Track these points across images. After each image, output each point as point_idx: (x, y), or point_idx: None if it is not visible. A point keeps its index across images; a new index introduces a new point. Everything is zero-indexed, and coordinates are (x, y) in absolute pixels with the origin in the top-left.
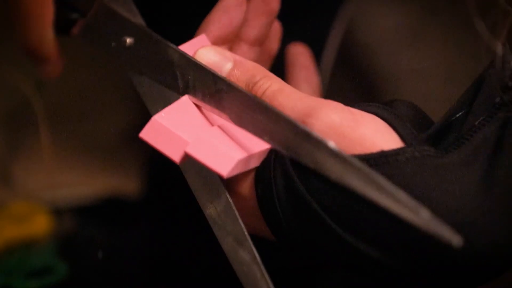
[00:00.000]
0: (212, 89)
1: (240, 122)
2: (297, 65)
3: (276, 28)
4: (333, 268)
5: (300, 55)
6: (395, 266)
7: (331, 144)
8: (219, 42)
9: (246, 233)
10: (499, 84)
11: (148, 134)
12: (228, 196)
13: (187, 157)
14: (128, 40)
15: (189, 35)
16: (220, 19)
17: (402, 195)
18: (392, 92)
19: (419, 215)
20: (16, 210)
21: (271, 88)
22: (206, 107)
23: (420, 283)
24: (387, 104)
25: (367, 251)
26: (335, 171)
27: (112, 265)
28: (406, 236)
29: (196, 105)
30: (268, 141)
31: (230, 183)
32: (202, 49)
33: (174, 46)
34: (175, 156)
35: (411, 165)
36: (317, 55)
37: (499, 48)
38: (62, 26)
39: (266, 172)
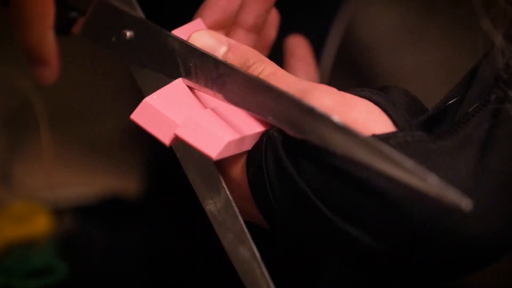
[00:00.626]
0: (214, 73)
1: (243, 104)
2: (295, 57)
3: (274, 15)
4: (323, 255)
5: (298, 47)
6: (386, 252)
7: (336, 118)
8: (215, 27)
9: (246, 230)
10: (493, 75)
11: (139, 116)
12: (228, 193)
13: (176, 140)
14: (128, 34)
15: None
16: (216, 4)
17: (409, 163)
18: None
19: (428, 181)
20: (17, 210)
21: (265, 71)
22: (209, 93)
23: (412, 271)
24: (381, 90)
25: (358, 236)
26: (341, 145)
27: (112, 265)
28: (398, 222)
29: (190, 87)
30: (272, 121)
31: (222, 167)
32: (196, 33)
33: (173, 35)
34: (165, 138)
35: (403, 150)
36: (317, 55)
37: (498, 40)
38: (62, 26)
39: (257, 155)
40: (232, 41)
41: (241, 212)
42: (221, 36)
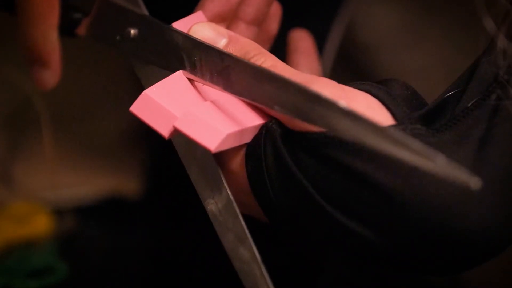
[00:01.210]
0: (219, 66)
1: (249, 94)
2: (298, 51)
3: (276, 9)
4: (322, 248)
5: (302, 41)
6: (385, 245)
7: (342, 103)
8: (216, 20)
9: (247, 231)
10: (493, 74)
11: (138, 108)
12: (229, 193)
13: (175, 132)
14: (132, 31)
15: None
16: None
17: (417, 144)
18: None
19: (436, 162)
20: (17, 210)
21: (265, 64)
22: (214, 86)
23: (411, 264)
24: (380, 83)
25: (357, 229)
26: (348, 130)
27: (112, 265)
28: (397, 214)
29: (190, 80)
30: (279, 110)
31: (221, 160)
32: (196, 25)
33: (177, 30)
34: (164, 130)
35: None
36: (318, 54)
37: (499, 39)
38: (66, 28)
39: (256, 148)
40: (232, 34)
41: (240, 205)
42: (221, 29)
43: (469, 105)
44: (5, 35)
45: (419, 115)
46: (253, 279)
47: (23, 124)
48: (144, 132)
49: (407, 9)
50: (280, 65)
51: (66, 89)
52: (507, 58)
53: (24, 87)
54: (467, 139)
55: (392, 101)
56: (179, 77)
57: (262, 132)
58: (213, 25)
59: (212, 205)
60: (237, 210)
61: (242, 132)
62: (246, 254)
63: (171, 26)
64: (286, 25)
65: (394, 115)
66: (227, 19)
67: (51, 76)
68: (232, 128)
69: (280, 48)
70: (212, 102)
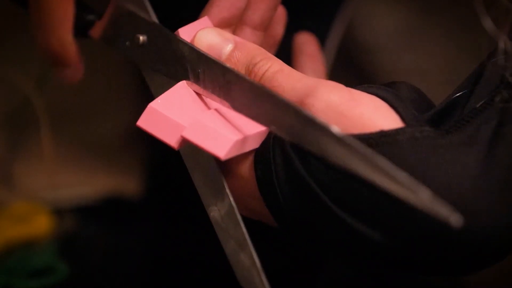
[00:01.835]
0: (221, 80)
1: (247, 112)
2: (303, 54)
3: (281, 13)
4: (332, 252)
5: (307, 44)
6: (395, 248)
7: (335, 129)
8: (222, 25)
9: (247, 238)
10: (500, 75)
11: (145, 121)
12: (231, 199)
13: (184, 142)
14: (141, 38)
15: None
16: (223, 2)
17: (402, 175)
18: None
19: (419, 195)
20: (17, 210)
21: (271, 69)
22: (216, 99)
23: (420, 266)
24: (388, 86)
25: (367, 232)
26: (339, 156)
27: (112, 265)
28: (406, 217)
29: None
30: (275, 131)
31: (230, 166)
32: (202, 31)
33: (184, 41)
34: (173, 141)
35: (411, 145)
36: None
37: (502, 42)
38: (79, 29)
39: (265, 153)
40: (238, 39)
41: (249, 211)
42: (227, 34)
43: (477, 106)
44: (5, 35)
45: (427, 117)
46: (252, 285)
47: (23, 124)
48: (144, 132)
49: (407, 9)
50: (287, 69)
51: (66, 89)
52: (511, 59)
53: (23, 87)
54: (476, 140)
55: (400, 103)
56: (182, 87)
57: (271, 137)
58: (219, 30)
59: (214, 212)
60: (239, 217)
61: (248, 138)
62: (247, 260)
63: (179, 36)
64: (287, 25)
65: (402, 117)
66: (232, 24)
67: (73, 73)
68: (239, 135)
69: (280, 49)
70: (217, 109)
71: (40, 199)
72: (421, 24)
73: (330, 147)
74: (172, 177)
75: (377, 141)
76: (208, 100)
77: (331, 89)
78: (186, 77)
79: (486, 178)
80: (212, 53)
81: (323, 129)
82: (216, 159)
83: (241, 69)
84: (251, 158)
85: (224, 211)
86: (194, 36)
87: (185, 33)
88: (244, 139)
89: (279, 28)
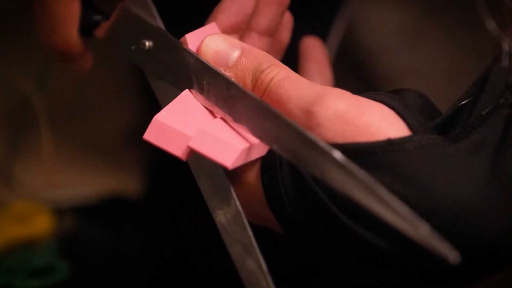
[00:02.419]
0: (225, 94)
1: (250, 128)
2: (310, 59)
3: (288, 19)
4: (338, 259)
5: (313, 48)
6: (402, 256)
7: (337, 154)
8: (229, 31)
9: (254, 242)
10: (504, 82)
11: (151, 134)
12: (238, 204)
13: (192, 153)
14: (147, 44)
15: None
16: (230, 8)
17: (404, 209)
18: None
19: (419, 230)
20: (17, 210)
21: (278, 76)
22: (219, 112)
23: (428, 275)
24: (394, 93)
25: (374, 240)
26: (340, 182)
27: (113, 265)
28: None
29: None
30: (277, 150)
31: (236, 173)
32: (209, 37)
33: (190, 51)
34: (180, 153)
35: (418, 154)
36: None
37: (506, 46)
38: (85, 28)
39: (271, 160)
40: (246, 45)
41: (255, 217)
42: (234, 40)
43: (483, 113)
44: (5, 35)
45: (434, 124)
46: None
47: (23, 124)
48: (143, 132)
49: (408, 9)
50: (294, 76)
51: (65, 88)
52: None
53: (23, 87)
54: (483, 148)
55: (407, 111)
56: (186, 96)
57: None
58: (226, 36)
59: (220, 216)
60: (245, 221)
61: (254, 146)
62: (253, 264)
63: (186, 46)
64: None
65: (409, 125)
66: (240, 30)
67: (80, 65)
68: (245, 143)
69: (289, 43)
70: (222, 118)
71: (40, 199)
72: (422, 25)
73: (331, 172)
74: (173, 177)
75: (384, 149)
76: (214, 108)
77: (338, 97)
78: (190, 87)
79: (493, 186)
80: (219, 60)
81: (325, 154)
82: None
83: (248, 76)
84: (257, 165)
85: (230, 215)
86: (201, 42)
87: (193, 38)
88: (251, 147)
89: (285, 33)
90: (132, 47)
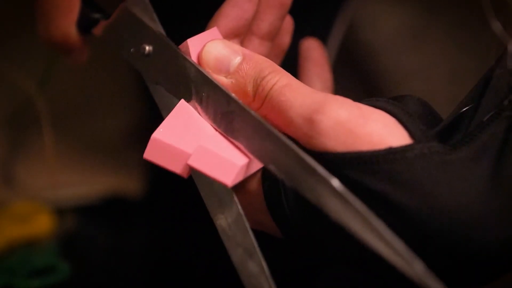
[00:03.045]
0: (224, 109)
1: (247, 146)
2: (310, 61)
3: (288, 23)
4: (338, 264)
5: (313, 50)
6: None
7: (336, 182)
8: (230, 35)
9: (256, 245)
10: (507, 85)
11: (150, 154)
12: (239, 207)
13: (191, 170)
14: (147, 48)
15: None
16: (231, 12)
17: (399, 245)
18: (394, 93)
19: (413, 267)
20: (18, 210)
21: (279, 83)
22: (215, 126)
23: None
24: (396, 100)
25: (375, 246)
26: (336, 210)
27: (114, 265)
28: (415, 232)
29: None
30: (273, 171)
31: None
32: (211, 42)
33: (191, 61)
34: (180, 170)
35: (420, 162)
36: None
37: (510, 47)
38: (84, 25)
39: None
40: (247, 51)
41: (256, 224)
42: (235, 46)
43: (484, 119)
44: (6, 35)
45: (435, 131)
46: None
47: (24, 124)
48: (144, 132)
49: (409, 9)
50: (295, 83)
51: (67, 88)
52: None
53: (25, 86)
54: (484, 155)
55: (408, 118)
56: (183, 107)
57: None
58: (228, 42)
59: (221, 220)
60: (247, 225)
61: (253, 160)
62: (255, 268)
63: (187, 51)
64: None
65: (410, 133)
66: (241, 34)
67: (76, 57)
68: (244, 159)
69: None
70: (220, 132)
71: (41, 199)
72: (424, 25)
73: (328, 200)
74: (173, 177)
75: (385, 158)
76: None
77: (340, 105)
78: (189, 98)
79: (494, 193)
80: (220, 66)
81: (324, 181)
82: None
83: (249, 82)
84: (258, 174)
85: (231, 219)
86: (202, 48)
87: (194, 43)
88: (250, 162)
89: (286, 37)
90: (131, 50)
